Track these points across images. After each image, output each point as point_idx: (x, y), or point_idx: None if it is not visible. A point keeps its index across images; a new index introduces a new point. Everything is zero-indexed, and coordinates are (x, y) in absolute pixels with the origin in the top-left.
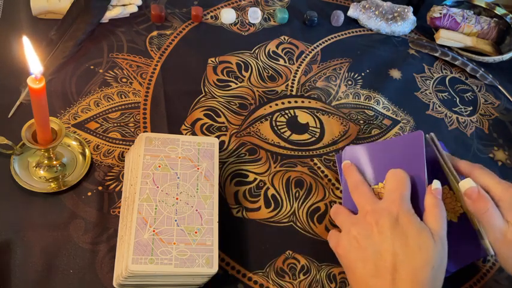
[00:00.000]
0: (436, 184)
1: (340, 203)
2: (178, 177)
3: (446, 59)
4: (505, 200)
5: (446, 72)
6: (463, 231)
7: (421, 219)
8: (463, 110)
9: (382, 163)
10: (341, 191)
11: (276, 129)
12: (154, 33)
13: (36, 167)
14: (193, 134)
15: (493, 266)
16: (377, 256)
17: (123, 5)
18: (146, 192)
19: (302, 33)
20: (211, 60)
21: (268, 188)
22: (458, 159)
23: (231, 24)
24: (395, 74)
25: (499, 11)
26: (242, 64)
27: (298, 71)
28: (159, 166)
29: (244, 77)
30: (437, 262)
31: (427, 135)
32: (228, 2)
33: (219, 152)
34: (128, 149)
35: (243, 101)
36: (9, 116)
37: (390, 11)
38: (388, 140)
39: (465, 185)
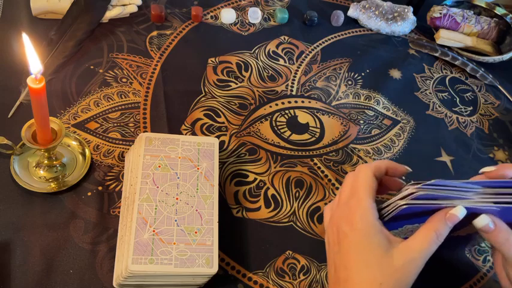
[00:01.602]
0: (458, 211)
1: None
2: (178, 177)
3: (446, 59)
4: None
5: (446, 72)
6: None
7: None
8: (463, 110)
9: None
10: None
11: (276, 129)
12: (154, 33)
13: (36, 167)
14: (193, 134)
15: (493, 266)
16: (332, 267)
17: (123, 5)
18: (146, 192)
19: (302, 33)
20: (211, 60)
21: (268, 188)
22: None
23: (231, 24)
24: (395, 74)
25: (499, 11)
26: (242, 64)
27: (298, 71)
28: (159, 166)
29: (244, 77)
30: (387, 279)
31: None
32: (228, 2)
33: (219, 152)
34: (128, 149)
35: (243, 101)
36: (9, 116)
37: (390, 11)
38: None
39: (481, 222)
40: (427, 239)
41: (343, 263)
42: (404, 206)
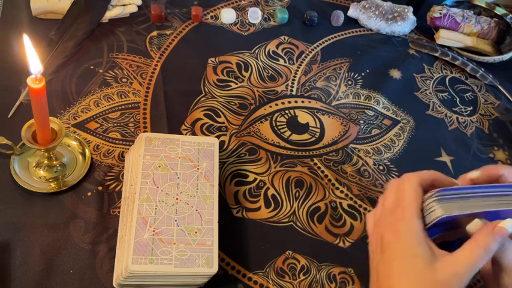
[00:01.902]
0: (507, 224)
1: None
2: (178, 177)
3: (446, 59)
4: None
5: (446, 72)
6: None
7: None
8: (463, 110)
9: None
10: (344, 194)
11: (276, 129)
12: (154, 33)
13: (36, 167)
14: (193, 134)
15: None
16: (374, 274)
17: (123, 5)
18: (146, 192)
19: (302, 33)
20: (211, 60)
21: (268, 188)
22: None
23: (231, 24)
24: (395, 74)
25: (499, 11)
26: (242, 64)
27: (298, 71)
28: (159, 166)
29: (244, 77)
30: None
31: None
32: (228, 2)
33: (219, 152)
34: (128, 149)
35: (243, 101)
36: (9, 116)
37: (390, 11)
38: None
39: (474, 227)
40: (473, 254)
41: (386, 272)
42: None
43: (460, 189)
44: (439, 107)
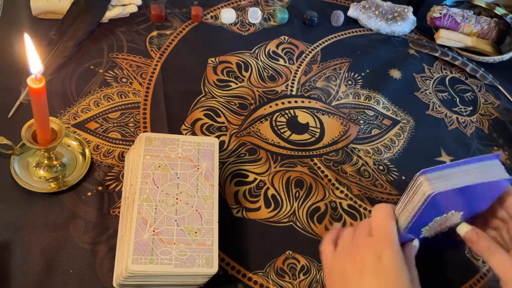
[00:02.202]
0: (416, 243)
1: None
2: (178, 177)
3: (446, 59)
4: None
5: (446, 72)
6: None
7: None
8: (463, 110)
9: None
10: (344, 194)
11: (276, 129)
12: (154, 33)
13: (36, 167)
14: (193, 134)
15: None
16: None
17: (123, 5)
18: (146, 192)
19: (302, 33)
20: (211, 60)
21: (268, 188)
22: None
23: (231, 24)
24: (395, 74)
25: (499, 11)
26: (242, 64)
27: (298, 71)
28: (159, 166)
29: (244, 77)
30: None
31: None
32: (228, 2)
33: (219, 152)
34: (128, 149)
35: (243, 101)
36: (9, 116)
37: (390, 11)
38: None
39: (463, 229)
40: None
41: (356, 283)
42: (432, 194)
43: (442, 166)
44: (439, 107)
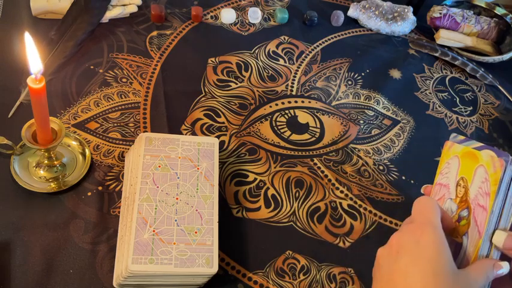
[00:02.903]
0: (505, 265)
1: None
2: (178, 177)
3: (446, 59)
4: None
5: (446, 72)
6: None
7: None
8: (463, 110)
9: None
10: (344, 194)
11: (276, 129)
12: (154, 33)
13: (36, 167)
14: (193, 134)
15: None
16: (389, 276)
17: (123, 5)
18: (146, 192)
19: (302, 33)
20: (211, 60)
21: (268, 188)
22: None
23: (231, 24)
24: (395, 74)
25: (499, 11)
26: (242, 64)
27: (298, 71)
28: (159, 166)
29: (244, 77)
30: None
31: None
32: (228, 2)
33: (219, 152)
34: (128, 149)
35: (243, 101)
36: (9, 116)
37: (390, 11)
38: None
39: (500, 239)
40: (481, 272)
41: (403, 272)
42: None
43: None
44: (439, 107)
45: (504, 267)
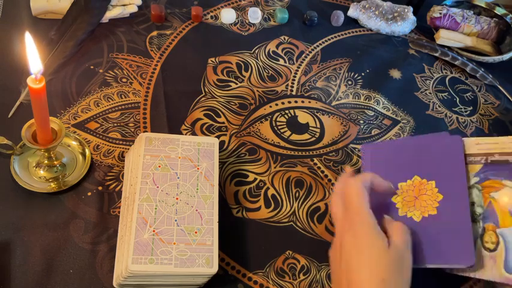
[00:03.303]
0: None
1: None
2: (178, 177)
3: (446, 59)
4: None
5: (446, 72)
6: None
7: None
8: (463, 110)
9: (412, 161)
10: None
11: (276, 129)
12: (154, 33)
13: (36, 167)
14: (193, 134)
15: None
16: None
17: (123, 5)
18: (146, 192)
19: (302, 33)
20: (211, 60)
21: (268, 188)
22: None
23: (231, 24)
24: (395, 74)
25: (499, 11)
26: (242, 64)
27: (298, 71)
28: (159, 166)
29: (244, 77)
30: (388, 274)
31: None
32: (228, 2)
33: (219, 152)
34: (128, 149)
35: (243, 101)
36: (9, 116)
37: (390, 11)
38: (416, 138)
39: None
40: (401, 232)
41: (346, 268)
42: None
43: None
44: (439, 107)
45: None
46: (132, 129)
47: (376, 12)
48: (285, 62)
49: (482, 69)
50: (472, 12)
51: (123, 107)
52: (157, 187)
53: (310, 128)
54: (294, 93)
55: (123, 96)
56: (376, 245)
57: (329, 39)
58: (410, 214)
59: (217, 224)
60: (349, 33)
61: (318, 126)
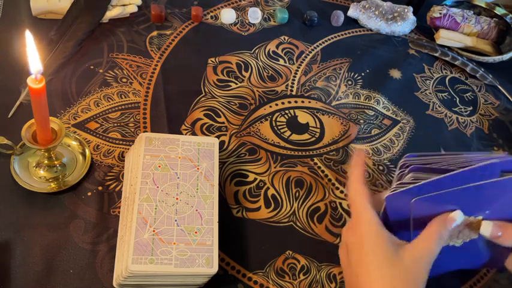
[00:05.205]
0: (456, 215)
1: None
2: (178, 177)
3: (446, 59)
4: None
5: (446, 72)
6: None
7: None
8: (463, 110)
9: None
10: (345, 194)
11: (276, 129)
12: (154, 33)
13: (36, 167)
14: (193, 134)
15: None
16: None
17: (123, 5)
18: (146, 192)
19: (302, 33)
20: (211, 60)
21: (268, 188)
22: None
23: (231, 24)
24: (395, 74)
25: (499, 11)
26: (242, 64)
27: (298, 71)
28: (159, 166)
29: (244, 77)
30: (399, 281)
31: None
32: (228, 2)
33: (219, 152)
34: (128, 149)
35: (243, 101)
36: (9, 116)
37: (390, 11)
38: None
39: (486, 228)
40: (430, 240)
41: (355, 273)
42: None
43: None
44: (439, 107)
45: (457, 218)
46: (132, 129)
47: (376, 12)
48: (285, 62)
49: (482, 69)
50: (472, 12)
51: (123, 107)
52: (157, 187)
53: (310, 128)
54: (294, 93)
55: (123, 96)
56: (384, 249)
57: (329, 39)
58: (452, 243)
59: (217, 224)
60: (349, 33)
61: (318, 126)
